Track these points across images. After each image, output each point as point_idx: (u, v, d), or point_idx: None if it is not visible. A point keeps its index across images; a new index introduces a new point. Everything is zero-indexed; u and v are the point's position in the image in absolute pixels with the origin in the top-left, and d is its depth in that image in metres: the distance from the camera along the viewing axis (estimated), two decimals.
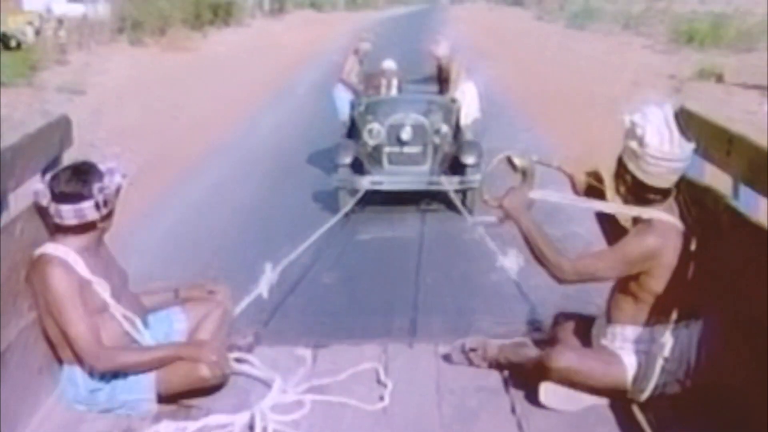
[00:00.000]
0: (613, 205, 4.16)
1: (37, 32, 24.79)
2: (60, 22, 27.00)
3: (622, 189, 4.05)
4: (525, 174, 4.24)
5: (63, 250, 3.94)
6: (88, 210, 3.93)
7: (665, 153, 3.83)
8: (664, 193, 3.96)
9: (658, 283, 3.94)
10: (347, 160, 10.24)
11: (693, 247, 3.98)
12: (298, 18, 48.43)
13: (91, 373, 4.01)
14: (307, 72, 10.71)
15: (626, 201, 4.06)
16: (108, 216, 4.05)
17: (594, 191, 4.27)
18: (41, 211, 4.00)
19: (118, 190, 4.04)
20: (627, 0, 40.49)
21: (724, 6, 31.62)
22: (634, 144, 3.89)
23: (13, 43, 22.63)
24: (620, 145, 3.96)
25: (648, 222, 3.96)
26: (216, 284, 4.72)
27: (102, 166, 4.03)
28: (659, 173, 3.88)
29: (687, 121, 4.16)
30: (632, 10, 36.65)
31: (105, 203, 3.96)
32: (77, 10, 29.52)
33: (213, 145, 13.92)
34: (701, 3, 37.24)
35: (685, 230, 3.98)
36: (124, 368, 4.02)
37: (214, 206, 10.71)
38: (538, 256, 4.06)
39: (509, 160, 4.28)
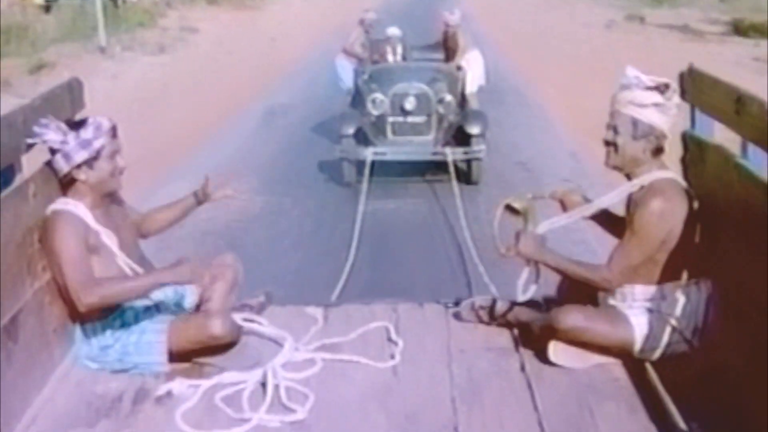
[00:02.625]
0: (612, 195, 4.24)
1: None
2: None
3: (642, 153, 4.05)
4: (526, 214, 4.32)
5: (72, 203, 4.01)
6: (57, 160, 3.99)
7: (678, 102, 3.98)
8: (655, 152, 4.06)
9: (672, 239, 3.97)
10: (351, 130, 10.25)
11: (695, 205, 4.02)
12: None
13: (102, 328, 4.07)
14: (348, 16, 11.83)
15: (630, 168, 4.11)
16: (115, 172, 4.09)
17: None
18: (54, 172, 4.04)
19: (101, 143, 4.03)
20: None
21: None
22: (659, 99, 3.96)
23: (119, 2, 26.36)
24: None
25: (648, 186, 4.01)
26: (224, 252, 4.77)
27: (91, 119, 4.06)
28: (675, 121, 4.00)
29: (695, 81, 4.19)
30: None
31: (67, 157, 3.98)
32: None
33: (303, 57, 19.84)
34: None
35: (689, 189, 4.02)
36: (112, 298, 3.98)
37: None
38: (580, 280, 4.14)
39: (509, 207, 4.37)
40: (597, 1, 33.53)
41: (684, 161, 4.35)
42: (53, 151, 3.99)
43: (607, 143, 4.12)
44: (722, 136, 4.13)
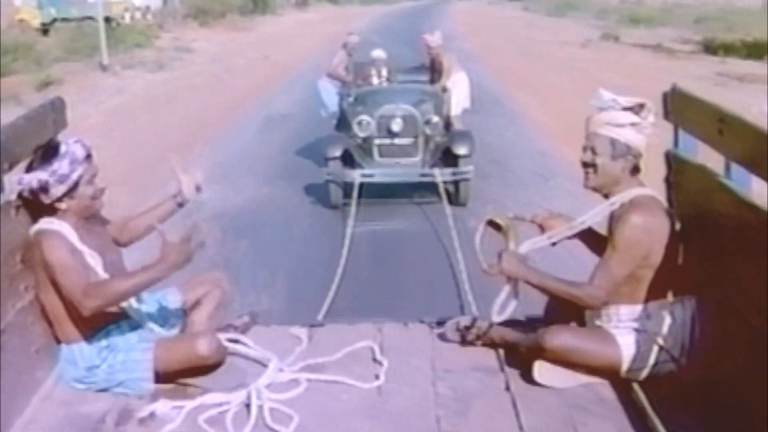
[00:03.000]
0: (592, 213, 4.25)
1: (132, 17, 33.22)
2: (147, 8, 36.79)
3: (621, 172, 4.08)
4: (508, 232, 4.35)
5: (57, 223, 3.99)
6: (27, 181, 3.97)
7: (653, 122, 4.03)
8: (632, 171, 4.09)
9: (654, 255, 3.98)
10: (337, 153, 10.18)
11: (678, 226, 4.04)
12: (319, 10, 59.29)
13: (78, 347, 4.06)
14: (337, 39, 12.61)
15: (607, 189, 4.14)
16: (97, 194, 4.10)
17: None
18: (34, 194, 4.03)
19: (78, 174, 4.02)
20: None
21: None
22: (633, 118, 4.00)
23: (114, 24, 28.69)
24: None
25: (628, 203, 4.03)
26: (210, 272, 4.75)
27: (64, 147, 4.05)
28: (648, 142, 4.04)
29: (678, 100, 4.21)
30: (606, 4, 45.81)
31: (45, 186, 3.97)
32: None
33: (295, 71, 21.25)
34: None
35: (668, 208, 4.06)
36: (114, 299, 3.96)
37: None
38: (563, 297, 4.13)
39: (491, 223, 4.40)
40: (577, 20, 37.97)
41: (668, 180, 4.37)
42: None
43: (586, 165, 4.14)
44: (706, 156, 4.14)
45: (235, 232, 9.37)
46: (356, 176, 10.06)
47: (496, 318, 4.32)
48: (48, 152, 4.04)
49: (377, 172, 10.28)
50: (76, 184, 4.01)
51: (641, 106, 4.06)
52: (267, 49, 28.17)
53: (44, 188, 3.95)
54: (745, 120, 3.68)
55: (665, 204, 4.11)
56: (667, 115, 4.34)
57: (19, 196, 4.01)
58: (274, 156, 13.28)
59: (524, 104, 16.65)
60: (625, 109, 4.04)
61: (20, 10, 30.97)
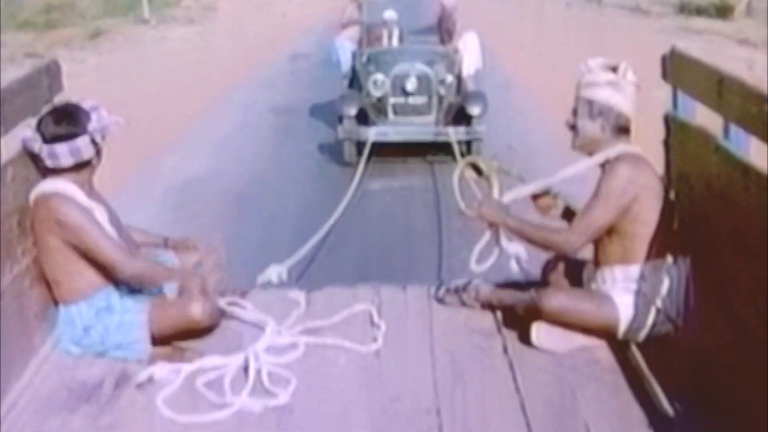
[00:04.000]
0: (580, 164, 4.23)
1: None
2: None
3: (600, 131, 4.10)
4: (491, 178, 4.40)
5: (61, 184, 4.01)
6: (84, 147, 4.02)
7: (636, 82, 4.03)
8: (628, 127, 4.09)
9: (643, 210, 3.98)
10: (352, 111, 10.28)
11: (672, 187, 4.03)
12: None
13: (76, 307, 4.10)
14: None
15: (592, 148, 4.14)
16: (98, 153, 4.13)
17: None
18: (32, 157, 4.04)
19: (107, 126, 4.10)
20: None
21: None
22: (611, 77, 4.02)
23: None
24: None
25: (615, 157, 4.03)
26: (206, 238, 4.76)
27: (85, 104, 4.09)
28: (634, 102, 4.05)
29: (677, 62, 4.16)
30: None
31: (98, 138, 4.06)
32: None
33: (311, 27, 22.97)
34: None
35: (667, 170, 4.05)
36: (144, 276, 4.19)
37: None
38: (538, 244, 4.19)
39: (473, 166, 4.51)
40: None
41: (666, 143, 4.34)
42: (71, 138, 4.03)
43: (570, 127, 4.18)
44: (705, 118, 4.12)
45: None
46: (371, 134, 10.15)
47: (475, 267, 4.42)
48: (63, 116, 4.06)
49: (391, 130, 10.34)
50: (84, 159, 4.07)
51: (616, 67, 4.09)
52: (284, 9, 29.83)
53: (54, 157, 4.00)
54: (744, 81, 3.64)
55: (658, 167, 4.07)
56: (665, 76, 4.30)
57: (19, 156, 4.02)
58: (300, 74, 17.13)
59: (510, 60, 17.72)
60: (604, 69, 4.07)
61: None
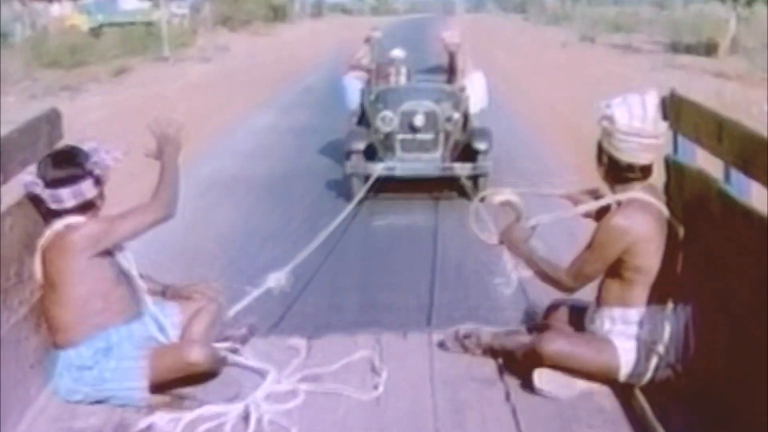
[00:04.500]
0: (591, 204, 4.28)
1: (169, 23, 36.41)
2: (184, 16, 41.95)
3: (602, 171, 4.15)
4: (513, 204, 4.40)
5: (72, 218, 4.05)
6: (86, 188, 4.07)
7: (634, 128, 3.94)
8: (642, 172, 4.04)
9: (638, 260, 3.96)
10: (360, 146, 10.38)
11: (681, 233, 3.99)
12: (333, 20, 66.93)
13: (74, 349, 4.07)
14: (349, 42, 14.63)
15: (608, 185, 4.16)
16: (101, 193, 4.17)
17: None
18: (34, 202, 4.06)
19: (107, 166, 4.14)
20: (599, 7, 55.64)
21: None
22: (605, 123, 4.00)
23: (154, 29, 33.97)
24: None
25: (619, 204, 4.02)
26: (207, 283, 4.76)
27: (85, 146, 4.13)
28: (630, 148, 3.98)
29: (677, 106, 4.15)
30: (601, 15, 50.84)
31: (98, 180, 4.12)
32: (184, 8, 43.30)
33: (318, 63, 26.34)
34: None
35: (672, 215, 4.02)
36: (173, 198, 4.23)
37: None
38: (541, 276, 4.21)
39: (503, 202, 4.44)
40: (568, 28, 43.88)
41: (666, 186, 4.32)
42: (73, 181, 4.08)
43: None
44: (705, 162, 4.12)
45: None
46: (378, 169, 10.23)
47: (505, 290, 4.45)
48: (72, 153, 4.13)
49: (399, 165, 10.42)
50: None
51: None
52: (291, 49, 33.59)
53: (57, 201, 4.03)
54: (743, 125, 3.63)
55: (660, 209, 4.05)
56: (665, 120, 4.28)
57: (17, 206, 4.02)
58: (313, 102, 18.91)
59: (511, 93, 19.02)
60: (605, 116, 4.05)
61: (71, 17, 35.64)
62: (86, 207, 4.09)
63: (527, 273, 4.38)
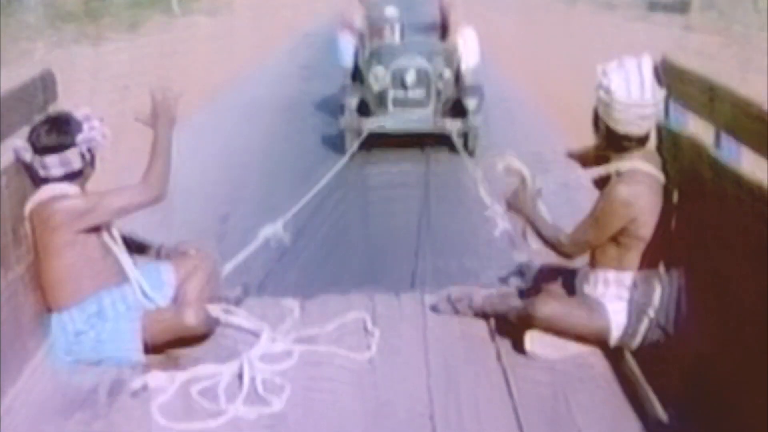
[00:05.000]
0: (592, 170, 4.26)
1: None
2: None
3: (598, 139, 4.13)
4: (521, 171, 4.38)
5: (57, 189, 4.04)
6: (73, 158, 4.06)
7: (633, 99, 3.91)
8: (639, 141, 4.04)
9: (639, 228, 3.97)
10: (353, 102, 10.50)
11: (675, 198, 4.01)
12: None
13: (68, 313, 4.11)
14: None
15: (604, 151, 4.14)
16: (92, 162, 4.17)
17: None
18: (25, 166, 4.06)
19: (99, 135, 4.13)
20: None
21: None
22: (602, 93, 3.97)
23: None
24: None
25: (621, 173, 4.01)
26: (200, 245, 4.77)
27: (78, 114, 4.12)
28: (628, 119, 3.96)
29: (668, 72, 4.16)
30: None
31: (88, 150, 4.10)
32: None
33: (312, 15, 27.28)
34: None
35: (666, 180, 4.02)
36: (166, 175, 4.16)
37: None
38: (544, 240, 4.21)
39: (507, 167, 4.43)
40: None
41: (659, 152, 4.33)
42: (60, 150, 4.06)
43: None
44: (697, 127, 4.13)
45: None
46: (370, 125, 10.41)
47: (517, 257, 4.63)
48: (63, 121, 4.11)
49: (390, 121, 10.50)
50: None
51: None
52: (290, 3, 33.52)
53: (45, 168, 4.03)
54: (735, 91, 3.65)
55: (661, 178, 4.07)
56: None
57: (13, 165, 4.04)
58: (315, 45, 19.90)
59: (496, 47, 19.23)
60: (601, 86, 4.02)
61: None
62: (74, 176, 4.10)
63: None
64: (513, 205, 4.35)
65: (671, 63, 4.23)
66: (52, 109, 4.37)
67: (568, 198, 5.35)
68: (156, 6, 30.31)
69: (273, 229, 5.42)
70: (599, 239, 4.07)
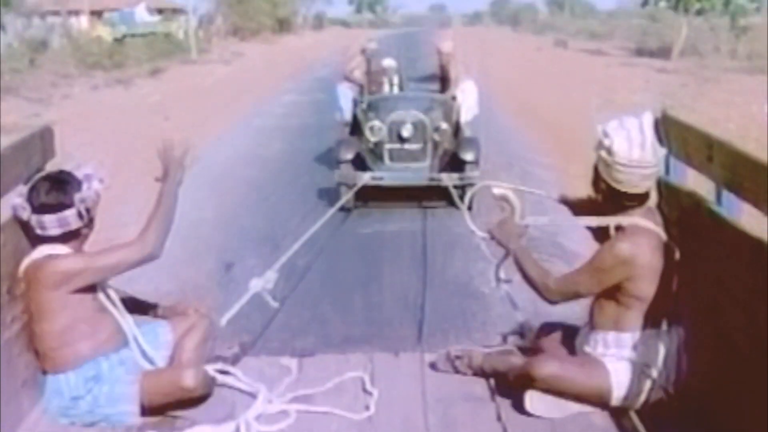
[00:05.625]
0: (590, 219, 4.20)
1: (185, 33, 44.18)
2: (199, 26, 47.62)
3: (599, 197, 4.10)
4: (511, 201, 4.38)
5: (54, 248, 3.99)
6: (71, 218, 4.00)
7: (634, 160, 3.88)
8: (640, 199, 4.00)
9: (638, 287, 3.93)
10: (349, 156, 10.47)
11: (677, 255, 3.97)
12: (333, 31, 75.43)
13: (64, 376, 4.02)
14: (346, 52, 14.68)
15: (604, 208, 4.09)
16: (90, 222, 4.11)
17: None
18: (22, 224, 4.02)
19: (97, 196, 4.09)
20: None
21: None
22: (603, 153, 3.94)
23: (172, 39, 42.07)
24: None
25: (621, 229, 3.98)
26: (198, 300, 4.74)
27: (78, 173, 4.07)
28: (630, 180, 3.92)
29: (668, 127, 4.15)
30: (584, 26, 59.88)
31: (87, 210, 4.04)
32: (193, 20, 48.74)
33: (320, 62, 30.84)
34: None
35: (667, 237, 3.99)
36: (165, 232, 4.05)
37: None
38: (526, 278, 4.16)
39: (501, 196, 4.44)
40: (545, 35, 52.62)
41: (659, 206, 4.31)
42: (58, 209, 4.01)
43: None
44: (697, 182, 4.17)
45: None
46: (366, 179, 10.29)
47: (498, 282, 4.51)
48: (62, 180, 4.05)
49: (387, 175, 10.46)
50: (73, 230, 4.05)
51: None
52: (299, 54, 40.09)
53: (42, 227, 3.97)
54: (734, 146, 3.65)
55: (662, 236, 4.04)
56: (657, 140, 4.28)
57: (11, 222, 4.00)
58: (324, 87, 19.32)
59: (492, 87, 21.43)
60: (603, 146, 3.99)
61: (96, 28, 41.49)
62: (71, 236, 4.04)
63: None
64: (496, 235, 4.31)
65: (671, 118, 4.22)
66: (50, 166, 4.34)
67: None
68: (172, 56, 36.20)
69: (263, 281, 5.35)
70: (591, 291, 4.05)
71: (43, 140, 4.39)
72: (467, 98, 11.21)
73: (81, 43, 34.37)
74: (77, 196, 3.99)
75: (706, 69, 27.83)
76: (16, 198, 4.01)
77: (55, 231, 3.98)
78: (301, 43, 52.83)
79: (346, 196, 10.03)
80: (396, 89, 11.79)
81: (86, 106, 22.00)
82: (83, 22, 40.83)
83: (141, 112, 20.08)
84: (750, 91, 21.43)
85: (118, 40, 38.22)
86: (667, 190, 4.23)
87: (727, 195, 3.70)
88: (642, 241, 3.93)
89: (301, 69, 31.56)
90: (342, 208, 10.17)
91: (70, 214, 3.98)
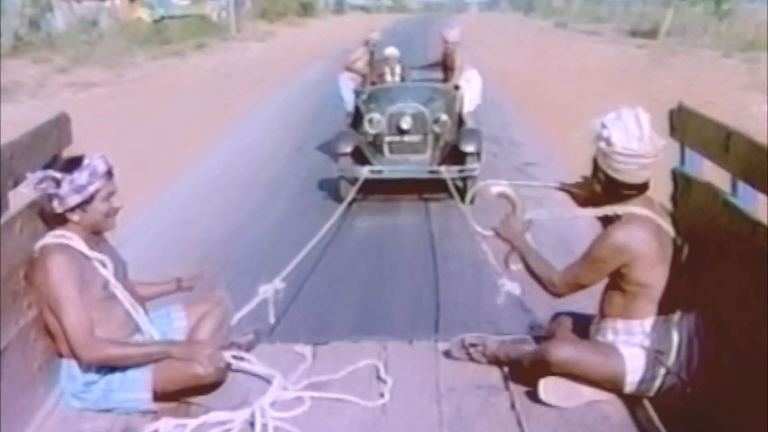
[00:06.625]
0: (588, 210, 4.23)
1: (219, 15, 48.30)
2: (230, 9, 49.00)
3: (598, 187, 4.11)
4: (511, 198, 4.41)
5: (67, 236, 3.98)
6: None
7: (633, 150, 3.90)
8: (639, 188, 4.02)
9: (638, 274, 3.95)
10: (348, 149, 10.36)
11: (686, 245, 3.99)
12: (353, 16, 78.07)
13: (87, 366, 4.03)
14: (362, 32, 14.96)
15: (603, 198, 4.11)
16: (85, 204, 4.03)
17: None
18: (40, 211, 4.02)
19: (94, 186, 4.01)
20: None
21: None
22: (602, 144, 3.97)
23: (206, 20, 45.43)
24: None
25: (618, 218, 4.01)
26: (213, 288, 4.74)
27: (89, 160, 4.03)
28: (629, 170, 3.95)
29: (685, 118, 4.17)
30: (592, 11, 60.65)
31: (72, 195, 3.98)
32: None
33: (345, 40, 27.93)
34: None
35: (673, 226, 4.02)
36: (113, 361, 4.00)
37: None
38: (532, 273, 4.20)
39: (500, 193, 4.45)
40: (550, 19, 55.98)
41: (674, 198, 4.33)
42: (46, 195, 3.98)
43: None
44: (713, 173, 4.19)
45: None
46: (365, 172, 10.22)
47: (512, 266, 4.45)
48: (69, 163, 4.04)
49: (386, 168, 10.38)
50: (91, 197, 4.00)
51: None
52: (325, 34, 43.40)
53: (58, 195, 3.94)
54: (751, 137, 3.65)
55: (664, 224, 4.06)
56: (672, 132, 4.29)
57: (27, 209, 3.99)
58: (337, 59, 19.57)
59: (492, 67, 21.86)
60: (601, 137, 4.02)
61: (136, 10, 42.49)
62: (86, 213, 4.03)
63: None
64: (501, 233, 4.34)
65: (687, 109, 4.23)
66: (66, 152, 4.34)
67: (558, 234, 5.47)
68: (210, 35, 39.65)
69: (272, 287, 5.37)
70: (592, 281, 4.08)
71: (59, 127, 4.39)
72: (471, 88, 11.18)
73: (125, 23, 37.72)
74: (71, 179, 3.96)
75: (682, 46, 30.80)
76: (37, 173, 3.98)
77: (73, 200, 3.96)
78: (324, 26, 57.06)
79: (351, 194, 9.96)
80: (397, 78, 11.74)
81: (155, 70, 27.42)
82: (119, 5, 42.41)
83: (203, 74, 26.47)
84: (705, 61, 25.73)
85: (157, 22, 40.99)
86: (682, 181, 4.25)
87: (743, 186, 3.71)
88: (636, 229, 3.95)
89: (328, 45, 34.66)
90: (340, 200, 10.15)
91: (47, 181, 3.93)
